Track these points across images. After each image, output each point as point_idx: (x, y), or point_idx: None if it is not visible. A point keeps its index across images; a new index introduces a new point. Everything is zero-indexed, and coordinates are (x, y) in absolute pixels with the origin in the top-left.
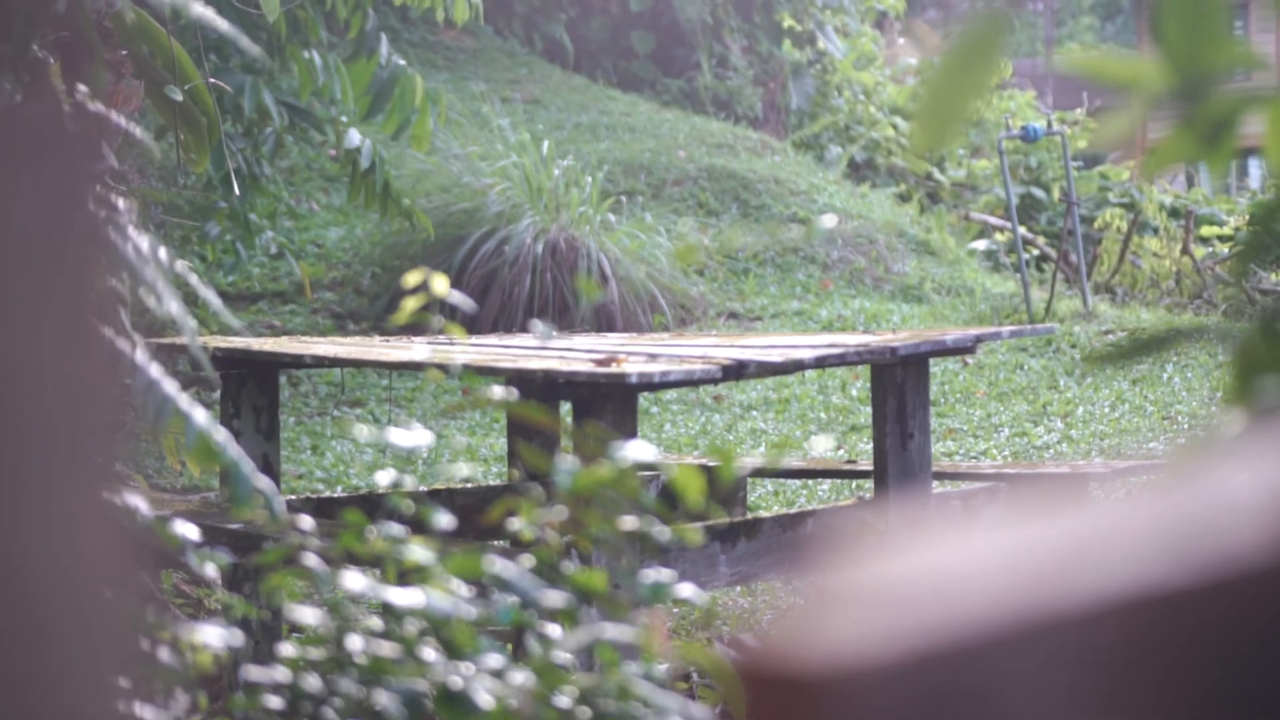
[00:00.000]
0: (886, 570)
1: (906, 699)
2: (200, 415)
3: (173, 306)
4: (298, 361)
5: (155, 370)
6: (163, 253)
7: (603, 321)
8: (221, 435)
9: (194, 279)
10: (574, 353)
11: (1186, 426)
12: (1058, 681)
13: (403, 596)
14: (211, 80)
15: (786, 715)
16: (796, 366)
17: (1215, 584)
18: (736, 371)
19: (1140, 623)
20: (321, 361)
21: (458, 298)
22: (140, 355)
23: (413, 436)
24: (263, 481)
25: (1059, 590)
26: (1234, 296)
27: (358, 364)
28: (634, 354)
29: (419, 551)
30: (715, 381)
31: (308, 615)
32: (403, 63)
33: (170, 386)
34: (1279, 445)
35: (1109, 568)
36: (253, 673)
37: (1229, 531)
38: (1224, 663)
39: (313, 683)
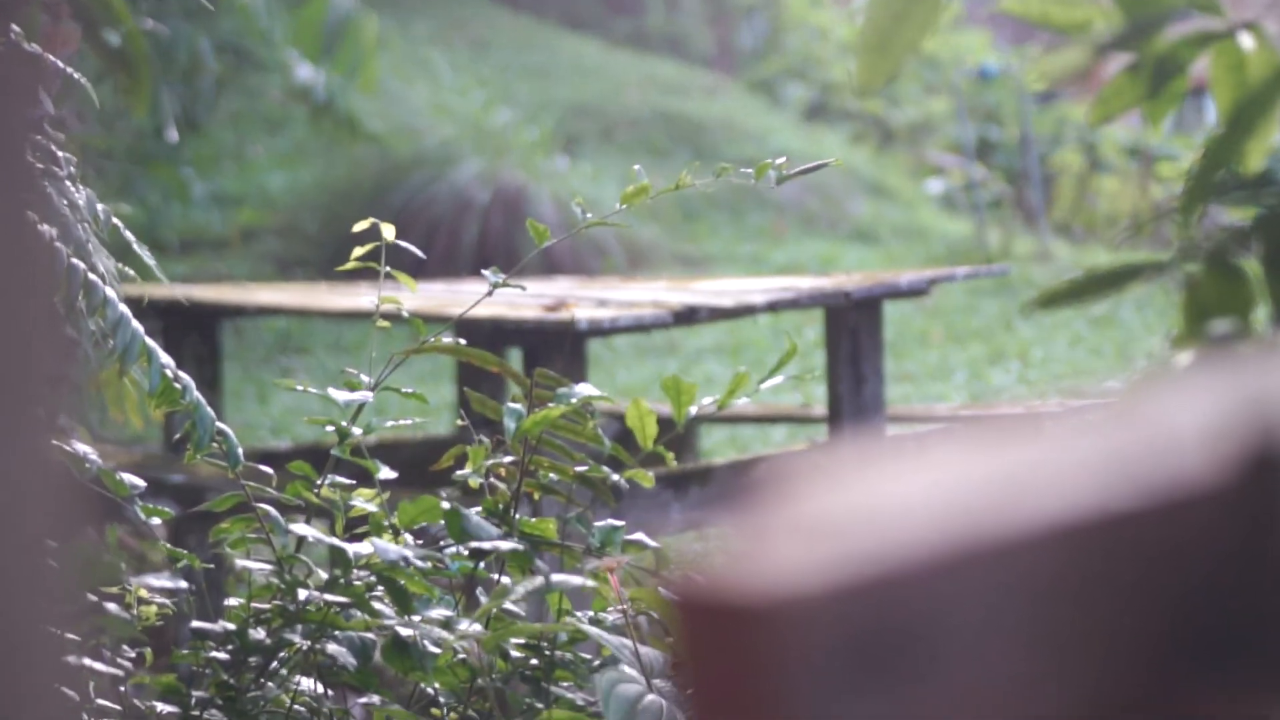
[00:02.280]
0: (829, 503)
1: (845, 626)
2: (164, 355)
3: (102, 264)
4: (240, 310)
5: (124, 307)
6: (100, 207)
7: (552, 267)
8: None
9: (129, 234)
10: (523, 299)
11: (1142, 365)
12: (1002, 606)
13: (352, 547)
14: (149, 24)
15: (721, 643)
16: (748, 311)
17: (1162, 508)
18: (688, 316)
19: (1085, 548)
20: (264, 310)
21: (404, 244)
22: (112, 291)
23: (353, 394)
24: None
25: (1003, 517)
26: (1186, 234)
27: (302, 313)
28: (583, 299)
29: (367, 501)
30: (666, 326)
31: (254, 567)
32: (351, 2)
33: (137, 325)
34: (1228, 375)
35: (1055, 494)
36: (198, 625)
37: (1176, 457)
38: (1171, 585)
39: (259, 635)
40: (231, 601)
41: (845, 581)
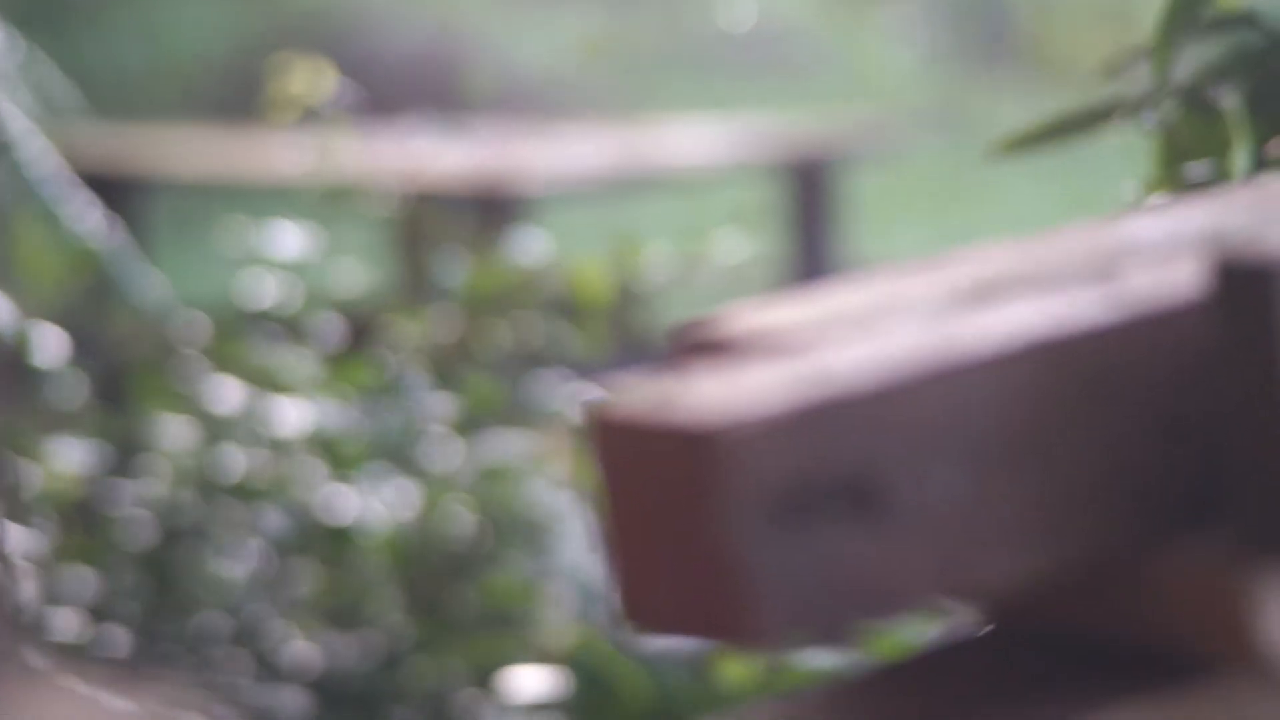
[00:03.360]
0: (779, 318)
1: (788, 453)
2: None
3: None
4: (147, 183)
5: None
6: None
7: (501, 117)
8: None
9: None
10: (477, 151)
11: (1113, 208)
12: (960, 434)
13: (290, 408)
14: None
15: (646, 468)
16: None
17: (1129, 323)
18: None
19: (1050, 366)
20: (177, 182)
21: (338, 87)
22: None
23: (293, 245)
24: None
25: (964, 332)
26: (1161, 74)
27: (226, 185)
28: (535, 153)
29: (306, 362)
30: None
31: (181, 429)
32: None
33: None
34: (1203, 207)
35: (1026, 305)
36: (120, 491)
37: (1147, 272)
38: (1137, 410)
39: (186, 498)
40: (159, 464)
41: (791, 405)
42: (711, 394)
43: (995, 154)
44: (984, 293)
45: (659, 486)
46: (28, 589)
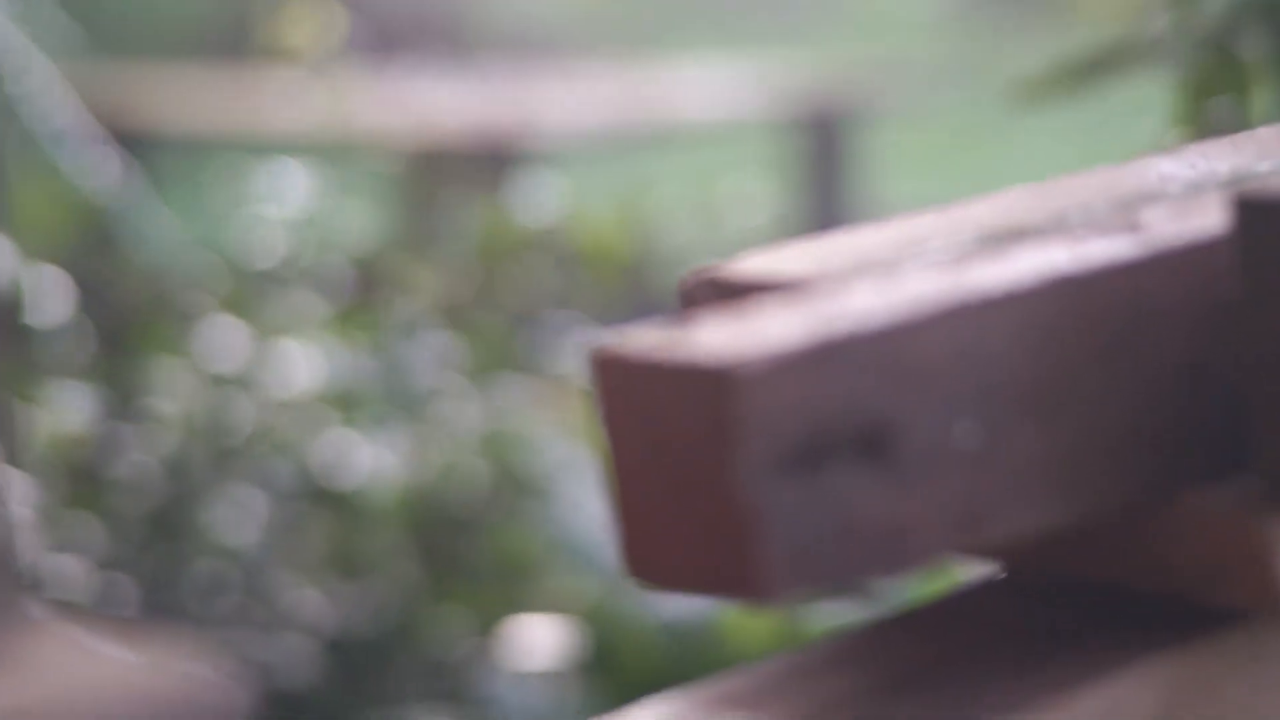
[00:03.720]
0: (791, 262)
1: (804, 391)
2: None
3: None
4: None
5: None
6: None
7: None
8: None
9: None
10: (485, 99)
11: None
12: (986, 369)
13: (300, 356)
14: None
15: (652, 406)
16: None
17: (1163, 260)
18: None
19: (1079, 301)
20: (178, 131)
21: (344, 27)
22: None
23: (299, 193)
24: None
25: (987, 272)
26: (1183, 13)
27: (229, 133)
28: (544, 103)
29: (316, 309)
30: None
31: (188, 378)
32: None
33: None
34: (1225, 148)
35: (1045, 246)
36: (125, 440)
37: (1168, 206)
38: (1172, 342)
39: (194, 447)
40: (165, 409)
41: (805, 344)
42: (722, 333)
43: (1016, 100)
44: (1002, 234)
45: (666, 430)
46: (28, 537)
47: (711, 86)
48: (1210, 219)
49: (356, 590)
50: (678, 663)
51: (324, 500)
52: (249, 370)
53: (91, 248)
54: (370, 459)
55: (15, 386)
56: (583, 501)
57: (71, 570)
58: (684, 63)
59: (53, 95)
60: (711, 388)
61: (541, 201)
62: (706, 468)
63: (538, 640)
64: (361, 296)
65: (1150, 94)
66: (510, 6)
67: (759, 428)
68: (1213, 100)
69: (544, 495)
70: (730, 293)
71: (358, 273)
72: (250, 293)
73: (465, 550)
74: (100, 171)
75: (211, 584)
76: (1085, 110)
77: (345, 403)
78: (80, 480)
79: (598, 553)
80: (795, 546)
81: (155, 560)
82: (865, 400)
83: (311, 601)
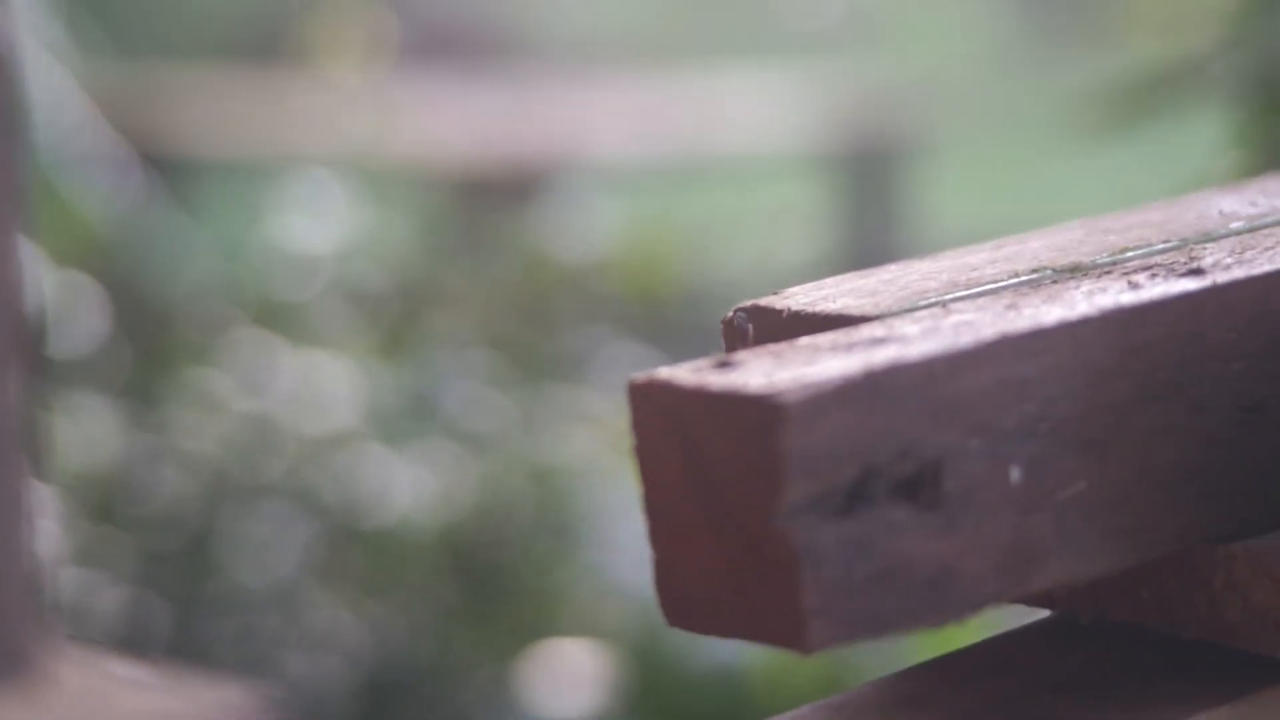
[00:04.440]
0: (837, 294)
1: (854, 421)
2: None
3: None
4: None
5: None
6: None
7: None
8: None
9: None
10: (521, 119)
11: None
12: (1036, 406)
13: (341, 376)
14: None
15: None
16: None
17: (1221, 296)
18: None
19: (1133, 336)
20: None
21: (390, 32)
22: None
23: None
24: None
25: (1039, 306)
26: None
27: (264, 156)
28: (587, 127)
29: (358, 329)
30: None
31: (223, 402)
32: None
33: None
34: None
35: (1099, 279)
36: (157, 457)
37: (1237, 244)
38: (1228, 382)
39: (231, 465)
40: (202, 430)
41: (852, 377)
42: (768, 364)
43: (1076, 132)
44: (1057, 270)
45: (705, 463)
46: (54, 556)
47: (756, 113)
48: (1272, 257)
49: (393, 617)
50: (718, 709)
51: (362, 528)
52: (288, 391)
53: (120, 265)
54: (410, 484)
55: (43, 400)
56: (624, 538)
57: (100, 591)
58: (727, 78)
59: (75, 107)
60: (756, 418)
61: (585, 229)
62: (747, 504)
63: (575, 669)
64: (404, 318)
65: (1203, 126)
66: (557, 14)
67: (803, 463)
68: (1271, 126)
69: (586, 534)
70: (777, 326)
71: (400, 294)
72: (288, 313)
73: (504, 583)
74: (124, 187)
75: (246, 608)
76: (1139, 139)
77: (385, 426)
78: (111, 499)
79: (639, 593)
80: (838, 591)
81: (188, 582)
82: (912, 437)
83: (348, 627)
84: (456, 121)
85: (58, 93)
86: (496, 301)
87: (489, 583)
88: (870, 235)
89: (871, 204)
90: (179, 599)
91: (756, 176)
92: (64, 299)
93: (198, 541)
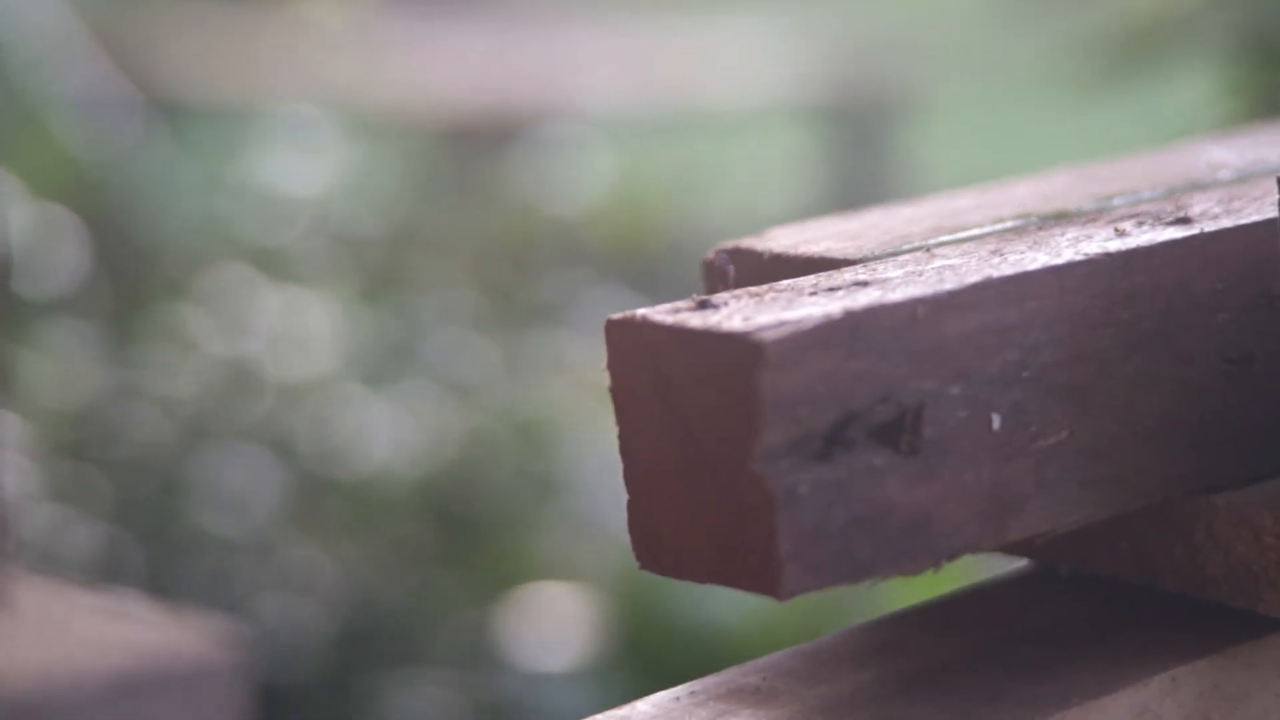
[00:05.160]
0: (819, 236)
1: (834, 363)
2: None
3: None
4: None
5: None
6: None
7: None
8: None
9: None
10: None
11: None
12: (1019, 353)
13: (324, 318)
14: None
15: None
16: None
17: (1208, 246)
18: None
19: (1119, 284)
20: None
21: None
22: None
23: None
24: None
25: (1024, 251)
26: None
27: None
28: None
29: (343, 272)
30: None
31: (204, 338)
32: None
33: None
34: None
35: (1085, 226)
36: (131, 391)
37: (1224, 194)
38: (1214, 332)
39: (208, 403)
40: (178, 368)
41: (833, 318)
42: (748, 305)
43: (1072, 90)
44: (1043, 217)
45: (682, 404)
46: (17, 484)
47: (745, 62)
48: (1257, 208)
49: (370, 561)
50: (700, 654)
51: (340, 475)
52: (269, 331)
53: (104, 201)
54: (390, 428)
55: (14, 331)
56: (607, 484)
57: (73, 528)
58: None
59: (69, 43)
60: (735, 359)
61: (570, 176)
62: (723, 446)
63: (555, 615)
64: (387, 262)
65: (1192, 81)
66: None
67: (781, 405)
68: (1261, 81)
69: (567, 480)
70: (758, 268)
71: (383, 238)
72: (271, 253)
73: (484, 529)
74: (113, 124)
75: (220, 550)
76: (1129, 95)
77: (367, 369)
78: (87, 437)
79: (620, 538)
80: (814, 536)
81: (162, 522)
82: (893, 381)
83: (324, 572)
84: (441, 65)
85: (51, 28)
86: (480, 247)
87: (468, 528)
88: (858, 187)
89: (859, 156)
90: (153, 539)
91: (743, 126)
92: (44, 233)
93: (173, 482)
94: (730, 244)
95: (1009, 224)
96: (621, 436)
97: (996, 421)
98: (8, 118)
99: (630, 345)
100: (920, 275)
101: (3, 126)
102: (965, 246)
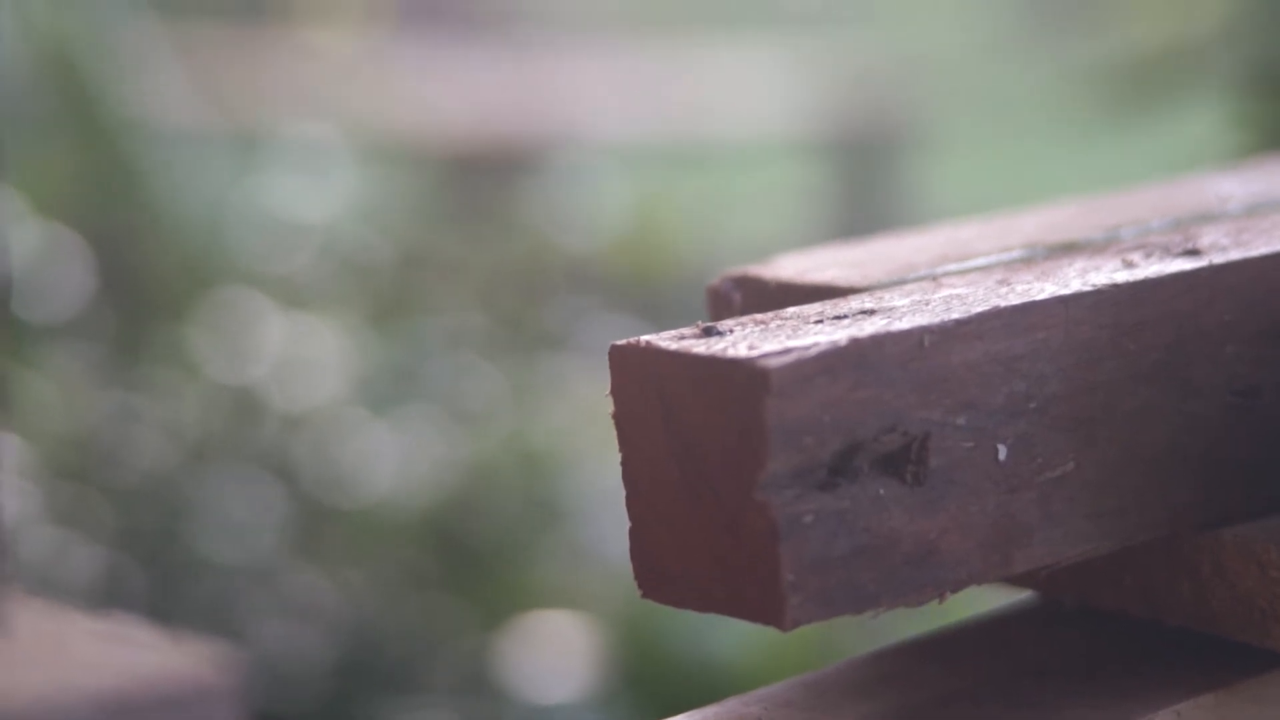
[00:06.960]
0: (826, 264)
1: (839, 392)
2: None
3: None
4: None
5: None
6: None
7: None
8: None
9: None
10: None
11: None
12: (1025, 383)
13: (333, 345)
14: None
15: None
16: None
17: (1216, 278)
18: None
19: (1126, 316)
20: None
21: None
22: None
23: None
24: None
25: (1031, 281)
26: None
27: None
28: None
29: (352, 299)
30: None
31: (210, 363)
32: None
33: None
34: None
35: (1093, 258)
36: (133, 414)
37: (1233, 227)
38: (1221, 365)
39: (215, 436)
40: (182, 390)
41: (838, 347)
42: (753, 333)
43: (1080, 122)
44: (1051, 247)
45: (686, 431)
46: (18, 507)
47: (751, 94)
48: (1270, 240)
49: (373, 588)
50: (702, 685)
51: (344, 502)
52: (275, 357)
53: (110, 224)
54: (396, 455)
55: (16, 353)
56: (611, 513)
57: (75, 552)
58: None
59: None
60: (740, 386)
61: (580, 205)
62: (727, 474)
63: (557, 643)
64: (395, 288)
65: (1200, 115)
66: None
67: (786, 433)
68: (1271, 114)
69: (572, 508)
70: (764, 295)
71: (391, 263)
72: (278, 278)
73: (487, 556)
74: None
75: (223, 576)
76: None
77: (373, 395)
78: (90, 461)
79: (623, 567)
80: (818, 566)
81: (165, 548)
82: (899, 410)
83: (327, 598)
84: (452, 92)
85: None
86: (488, 274)
87: (470, 556)
88: (866, 220)
89: (868, 189)
90: (155, 564)
91: (751, 158)
92: (49, 254)
93: (175, 507)
94: (736, 271)
95: (1016, 254)
96: (624, 463)
97: (1002, 452)
98: (16, 136)
99: (634, 371)
100: (927, 304)
101: (11, 145)
102: (972, 276)
